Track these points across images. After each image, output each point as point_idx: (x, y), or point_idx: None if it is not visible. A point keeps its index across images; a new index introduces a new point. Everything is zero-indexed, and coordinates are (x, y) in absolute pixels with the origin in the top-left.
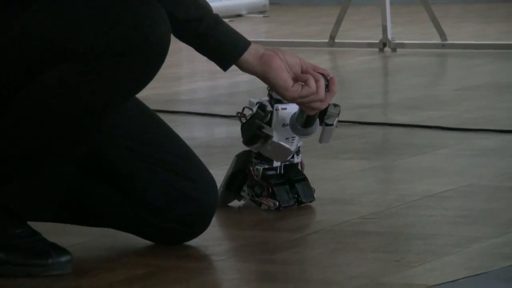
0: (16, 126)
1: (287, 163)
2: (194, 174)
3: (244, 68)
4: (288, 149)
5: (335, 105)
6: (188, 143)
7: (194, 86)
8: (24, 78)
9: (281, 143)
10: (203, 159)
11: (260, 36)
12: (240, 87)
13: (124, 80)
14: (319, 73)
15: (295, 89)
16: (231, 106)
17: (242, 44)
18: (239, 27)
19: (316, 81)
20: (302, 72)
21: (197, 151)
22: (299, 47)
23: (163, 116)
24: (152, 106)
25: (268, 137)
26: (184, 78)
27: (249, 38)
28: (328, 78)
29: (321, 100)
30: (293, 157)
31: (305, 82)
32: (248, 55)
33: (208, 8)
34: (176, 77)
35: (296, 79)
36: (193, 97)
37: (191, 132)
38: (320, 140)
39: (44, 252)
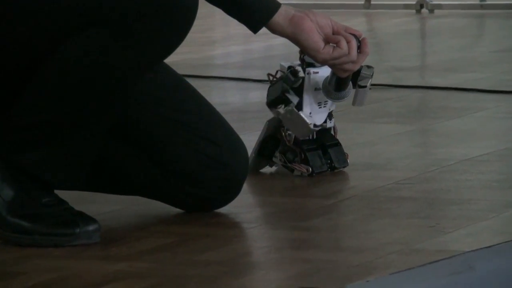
0: (45, 93)
1: (320, 127)
2: (224, 140)
3: (274, 30)
4: (307, 125)
5: (368, 67)
6: (222, 108)
7: (228, 50)
8: (50, 44)
9: (302, 115)
10: (237, 125)
11: None
12: (275, 50)
13: (153, 44)
14: (351, 34)
15: (327, 51)
16: (265, 70)
17: (272, 5)
18: None
19: (348, 42)
20: (333, 34)
21: (230, 116)
22: (333, 9)
23: (196, 81)
24: (185, 71)
25: (289, 102)
26: (217, 42)
27: (281, 1)
28: (360, 39)
29: (353, 62)
30: (325, 121)
31: (337, 44)
32: (279, 17)
33: None
34: (209, 41)
35: (327, 41)
36: (227, 61)
37: (225, 97)
38: (354, 103)
39: (71, 221)
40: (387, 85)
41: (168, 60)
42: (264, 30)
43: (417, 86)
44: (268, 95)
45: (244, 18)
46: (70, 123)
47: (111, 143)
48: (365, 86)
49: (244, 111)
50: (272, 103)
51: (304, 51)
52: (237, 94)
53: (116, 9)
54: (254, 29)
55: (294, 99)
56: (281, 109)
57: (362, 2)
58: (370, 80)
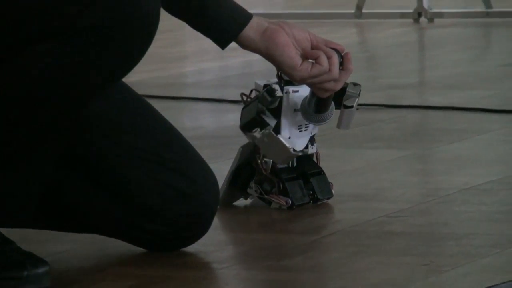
0: None
1: (300, 154)
2: (190, 168)
3: (246, 45)
4: (287, 149)
5: (355, 84)
6: (193, 133)
7: (200, 67)
8: None
9: (281, 139)
10: (209, 151)
11: (276, 7)
12: (254, 67)
13: (109, 60)
14: (332, 49)
15: (304, 68)
16: (243, 90)
17: (242, 17)
18: None
19: (329, 58)
20: (312, 49)
21: (202, 142)
22: (321, 19)
23: (163, 103)
24: (150, 91)
25: (265, 125)
26: (188, 58)
27: (263, 10)
28: (343, 54)
29: (334, 80)
30: (307, 147)
31: (316, 60)
32: (250, 30)
33: None
34: (179, 56)
35: (305, 57)
36: (199, 79)
37: (197, 121)
38: (339, 126)
39: (18, 263)
40: (380, 104)
41: (130, 79)
42: (230, 44)
43: (414, 106)
44: (241, 117)
45: (210, 32)
46: (15, 149)
47: (62, 174)
48: (351, 106)
49: (217, 136)
50: (246, 126)
51: (279, 68)
52: (211, 117)
53: (67, 22)
54: (222, 44)
55: (272, 122)
56: (257, 133)
57: (353, 11)
58: (357, 100)
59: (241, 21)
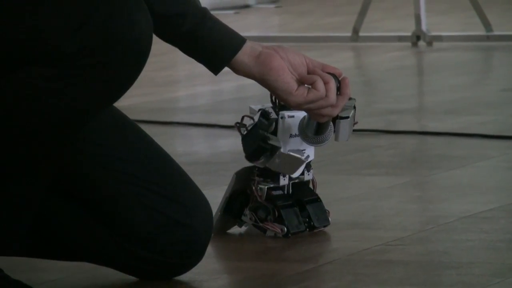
0: None
1: (296, 180)
2: (184, 196)
3: (239, 71)
4: (299, 159)
5: (350, 98)
6: (185, 159)
7: (193, 91)
8: None
9: (291, 153)
10: (202, 178)
11: (271, 30)
12: (248, 91)
13: (98, 87)
14: (329, 74)
15: (300, 93)
16: (237, 115)
17: (235, 42)
18: (246, 20)
19: (326, 83)
20: (308, 73)
21: (194, 169)
22: (317, 43)
23: (155, 128)
24: (142, 116)
25: (275, 148)
26: (181, 82)
27: (259, 33)
28: (340, 78)
29: (331, 106)
30: (303, 173)
31: (312, 85)
32: (243, 55)
33: (194, 0)
34: (171, 80)
35: (301, 81)
36: (192, 104)
37: (189, 146)
38: (336, 138)
39: None
40: (377, 130)
41: (121, 104)
42: (224, 69)
43: (412, 132)
44: (245, 148)
45: (202, 58)
46: (3, 176)
47: (53, 201)
48: (347, 117)
49: (210, 162)
50: (253, 156)
51: (274, 93)
52: (204, 143)
53: (54, 46)
54: (215, 69)
55: (278, 143)
56: (266, 158)
57: (349, 34)
58: (353, 111)
59: (234, 46)
